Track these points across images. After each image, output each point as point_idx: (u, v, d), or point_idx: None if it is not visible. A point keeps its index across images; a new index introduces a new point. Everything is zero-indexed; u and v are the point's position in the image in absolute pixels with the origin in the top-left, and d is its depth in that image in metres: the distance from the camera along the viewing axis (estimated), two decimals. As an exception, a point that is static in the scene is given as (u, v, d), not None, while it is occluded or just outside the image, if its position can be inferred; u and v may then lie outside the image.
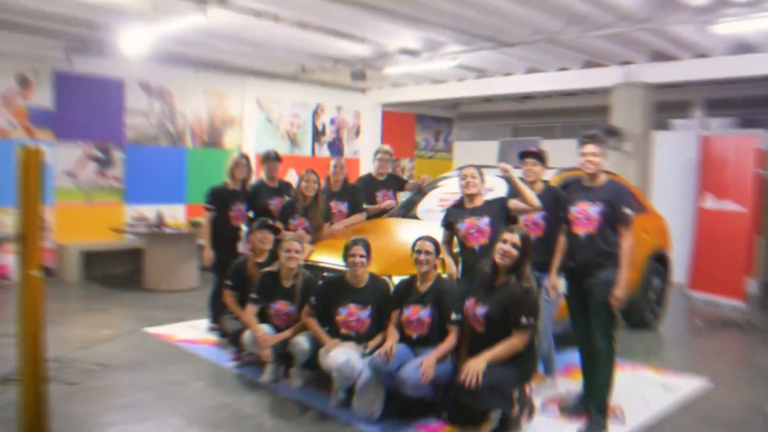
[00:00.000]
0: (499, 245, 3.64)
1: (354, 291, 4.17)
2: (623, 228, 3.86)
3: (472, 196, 4.36)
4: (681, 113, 10.46)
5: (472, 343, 3.77)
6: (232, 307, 4.74)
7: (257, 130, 10.42)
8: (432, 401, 3.91)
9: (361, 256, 4.10)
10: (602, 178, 3.99)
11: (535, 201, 4.16)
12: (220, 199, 5.59)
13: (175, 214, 9.14)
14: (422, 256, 3.91)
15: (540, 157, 4.47)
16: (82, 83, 8.46)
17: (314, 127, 11.29)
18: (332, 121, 11.54)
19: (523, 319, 3.53)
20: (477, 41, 7.46)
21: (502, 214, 4.28)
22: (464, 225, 4.31)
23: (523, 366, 3.64)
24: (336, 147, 11.50)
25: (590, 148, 3.92)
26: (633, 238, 3.89)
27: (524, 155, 4.47)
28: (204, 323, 5.99)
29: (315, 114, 11.27)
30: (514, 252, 3.58)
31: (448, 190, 5.66)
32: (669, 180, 8.97)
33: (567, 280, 4.11)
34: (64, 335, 5.63)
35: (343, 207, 5.60)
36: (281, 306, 4.45)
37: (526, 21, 6.62)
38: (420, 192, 6.04)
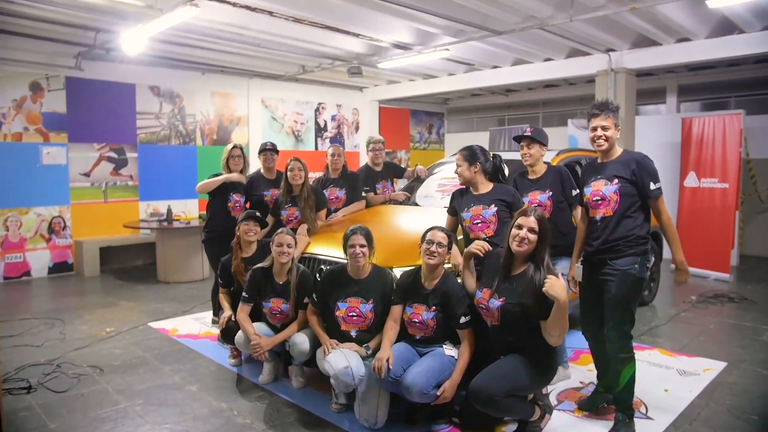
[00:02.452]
0: (515, 231, 2.69)
1: (355, 283, 3.17)
2: (654, 202, 2.90)
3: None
4: (653, 100, 9.56)
5: (489, 336, 2.84)
6: (226, 307, 3.82)
7: (263, 127, 9.48)
8: (441, 406, 2.97)
9: (362, 246, 3.10)
10: (617, 152, 3.00)
11: None
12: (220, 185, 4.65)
13: (187, 209, 8.28)
14: (434, 247, 2.90)
15: (534, 139, 3.47)
16: (94, 88, 7.53)
17: (317, 123, 10.34)
18: (333, 118, 10.60)
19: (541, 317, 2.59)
20: (467, 31, 6.50)
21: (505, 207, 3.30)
22: (469, 214, 3.32)
23: (544, 369, 2.71)
24: (337, 142, 10.56)
25: (600, 120, 2.90)
26: (667, 213, 2.93)
27: (518, 139, 3.53)
28: (209, 315, 5.12)
29: (317, 111, 10.32)
30: (533, 237, 2.64)
31: (447, 174, 4.72)
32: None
33: (584, 267, 3.11)
34: (68, 334, 4.73)
35: (341, 194, 4.64)
36: (275, 304, 3.48)
37: (516, 7, 5.65)
38: (418, 179, 5.09)
